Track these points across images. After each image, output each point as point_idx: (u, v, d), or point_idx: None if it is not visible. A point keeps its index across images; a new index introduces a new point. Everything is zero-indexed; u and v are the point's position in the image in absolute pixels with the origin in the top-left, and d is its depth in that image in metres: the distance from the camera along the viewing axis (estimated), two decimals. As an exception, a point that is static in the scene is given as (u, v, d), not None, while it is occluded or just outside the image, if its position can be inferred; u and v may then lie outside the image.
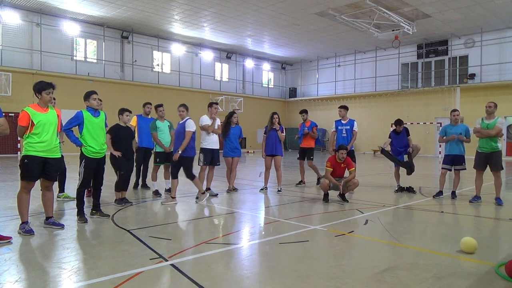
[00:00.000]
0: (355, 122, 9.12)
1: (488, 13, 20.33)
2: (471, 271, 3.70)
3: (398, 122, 8.83)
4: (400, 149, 8.81)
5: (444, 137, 7.90)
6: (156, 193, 7.88)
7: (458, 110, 8.05)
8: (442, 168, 7.99)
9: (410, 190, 8.69)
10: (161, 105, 8.18)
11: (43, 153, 4.86)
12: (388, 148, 8.91)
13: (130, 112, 7.18)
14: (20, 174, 4.85)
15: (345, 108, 9.22)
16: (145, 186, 8.90)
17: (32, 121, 4.75)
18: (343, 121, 9.08)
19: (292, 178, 11.75)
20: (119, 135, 6.71)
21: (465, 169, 7.85)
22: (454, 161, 7.83)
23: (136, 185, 8.87)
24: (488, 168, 7.33)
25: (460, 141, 7.72)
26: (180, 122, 7.01)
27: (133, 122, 8.38)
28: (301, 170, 9.88)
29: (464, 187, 9.54)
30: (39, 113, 4.83)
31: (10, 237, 4.48)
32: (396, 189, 8.84)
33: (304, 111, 9.91)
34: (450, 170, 7.91)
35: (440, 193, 7.99)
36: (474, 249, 4.15)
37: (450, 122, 8.11)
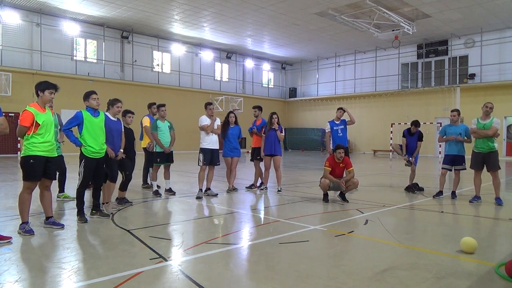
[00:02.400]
0: (345, 120, 9.29)
1: (488, 13, 20.32)
2: (471, 271, 3.70)
3: (414, 123, 8.96)
4: (408, 151, 9.08)
5: (444, 137, 7.91)
6: (156, 193, 7.88)
7: (457, 110, 8.00)
8: (442, 168, 7.99)
9: (410, 189, 8.73)
10: (163, 105, 8.13)
11: (46, 153, 4.88)
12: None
13: (133, 113, 7.18)
14: (24, 175, 4.85)
15: (343, 109, 9.29)
16: (146, 184, 8.97)
17: (36, 121, 4.76)
18: (336, 121, 9.17)
19: (292, 178, 11.76)
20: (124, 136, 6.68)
21: (465, 169, 7.85)
22: (454, 161, 7.83)
23: (145, 183, 9.06)
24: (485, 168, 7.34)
25: (459, 141, 7.72)
26: (114, 119, 6.24)
27: (147, 122, 8.41)
28: (256, 171, 9.24)
29: (464, 187, 9.55)
30: (42, 113, 4.84)
31: (10, 237, 4.48)
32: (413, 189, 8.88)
33: (257, 107, 9.33)
34: (450, 170, 7.91)
35: (440, 193, 7.99)
36: (474, 249, 4.15)
37: (450, 122, 8.13)
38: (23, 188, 4.86)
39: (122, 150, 6.38)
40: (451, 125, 7.95)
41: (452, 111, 8.01)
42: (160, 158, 7.91)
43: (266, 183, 8.83)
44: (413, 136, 9.06)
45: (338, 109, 9.30)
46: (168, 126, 8.03)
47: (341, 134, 9.04)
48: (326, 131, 9.27)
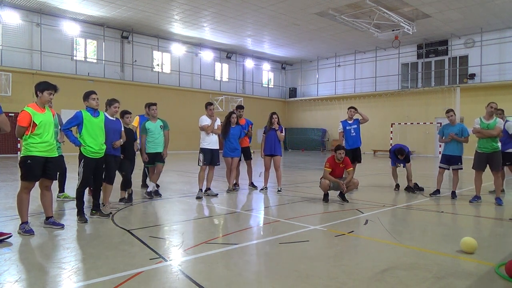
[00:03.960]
0: (358, 120, 9.29)
1: (488, 13, 20.32)
2: (471, 271, 3.70)
3: (400, 152, 8.85)
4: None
5: (443, 138, 8.01)
6: (156, 193, 7.86)
7: (451, 111, 8.04)
8: (439, 167, 8.11)
9: (410, 189, 8.77)
10: (154, 104, 7.81)
11: (44, 153, 4.88)
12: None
13: (131, 114, 7.16)
14: (21, 175, 4.85)
15: (356, 108, 9.26)
16: (145, 186, 8.93)
17: (33, 121, 4.76)
18: (349, 121, 9.12)
19: (292, 178, 11.76)
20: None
21: (461, 168, 7.90)
22: (450, 160, 7.92)
23: (144, 185, 8.96)
24: (487, 168, 7.34)
25: (456, 140, 7.78)
26: (112, 119, 6.24)
27: (135, 122, 8.33)
28: (248, 171, 9.19)
29: (464, 187, 9.55)
30: (40, 114, 4.84)
31: (10, 234, 4.49)
32: (395, 188, 9.08)
33: (241, 107, 9.10)
34: (448, 169, 7.99)
35: (437, 191, 8.08)
36: (474, 249, 4.16)
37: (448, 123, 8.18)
38: (20, 188, 4.87)
39: (122, 140, 6.35)
40: (449, 125, 8.01)
41: (448, 111, 8.04)
42: (148, 159, 7.65)
43: (266, 183, 8.82)
44: (402, 160, 9.01)
45: (349, 108, 9.22)
46: (161, 126, 7.74)
47: (354, 134, 8.97)
48: (339, 131, 9.19)
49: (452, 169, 7.93)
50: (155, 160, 7.71)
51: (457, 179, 7.96)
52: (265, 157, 8.65)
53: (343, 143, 8.95)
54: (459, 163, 7.85)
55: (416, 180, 9.20)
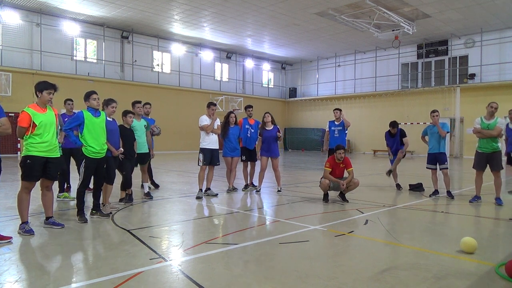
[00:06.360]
0: (343, 121, 9.27)
1: (488, 13, 20.32)
2: (471, 271, 3.70)
3: (392, 124, 9.29)
4: (392, 150, 9.44)
5: (426, 137, 8.25)
6: (148, 195, 7.68)
7: (436, 111, 8.21)
8: (427, 168, 8.26)
9: (413, 188, 8.84)
10: (139, 102, 7.70)
11: (45, 153, 4.88)
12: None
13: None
14: (21, 175, 4.86)
15: (341, 110, 9.32)
16: (154, 184, 8.98)
17: (33, 122, 4.76)
18: (336, 122, 9.20)
19: (292, 178, 11.76)
20: (123, 137, 6.66)
21: (447, 168, 8.00)
22: (437, 159, 8.05)
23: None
24: (487, 168, 7.35)
25: (441, 138, 7.95)
26: (109, 119, 6.20)
27: None
28: (245, 173, 9.03)
29: (464, 187, 9.55)
30: (40, 114, 4.84)
31: (10, 237, 4.48)
32: (399, 188, 9.17)
33: (251, 107, 9.12)
34: (435, 168, 8.12)
35: (436, 192, 8.16)
36: (474, 249, 4.16)
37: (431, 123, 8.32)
38: (21, 187, 4.88)
39: (122, 149, 6.41)
40: (432, 125, 8.20)
41: (434, 111, 8.22)
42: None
43: (260, 184, 8.65)
44: (395, 137, 9.30)
45: (334, 109, 9.32)
46: (145, 125, 7.63)
47: (337, 135, 9.05)
48: (326, 130, 9.37)
49: (441, 170, 8.02)
50: (138, 162, 7.55)
51: (448, 179, 8.01)
52: (261, 158, 8.53)
53: (328, 143, 9.08)
54: (446, 162, 8.00)
55: (416, 180, 9.21)
